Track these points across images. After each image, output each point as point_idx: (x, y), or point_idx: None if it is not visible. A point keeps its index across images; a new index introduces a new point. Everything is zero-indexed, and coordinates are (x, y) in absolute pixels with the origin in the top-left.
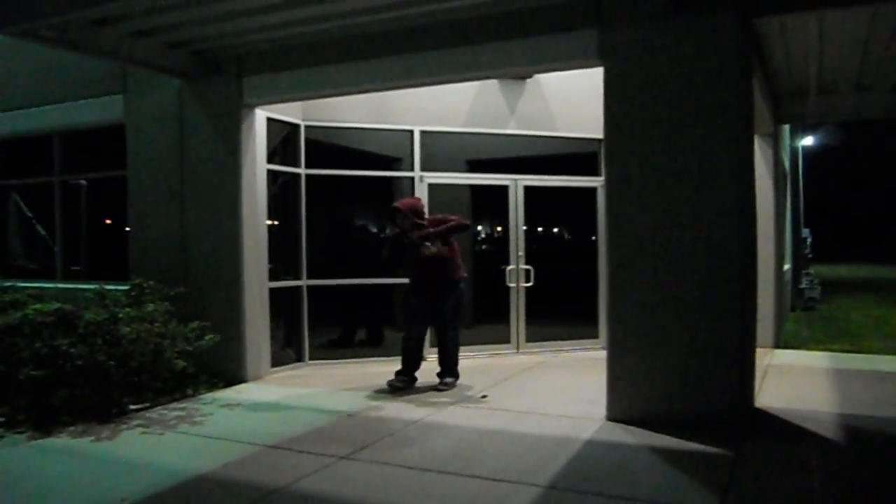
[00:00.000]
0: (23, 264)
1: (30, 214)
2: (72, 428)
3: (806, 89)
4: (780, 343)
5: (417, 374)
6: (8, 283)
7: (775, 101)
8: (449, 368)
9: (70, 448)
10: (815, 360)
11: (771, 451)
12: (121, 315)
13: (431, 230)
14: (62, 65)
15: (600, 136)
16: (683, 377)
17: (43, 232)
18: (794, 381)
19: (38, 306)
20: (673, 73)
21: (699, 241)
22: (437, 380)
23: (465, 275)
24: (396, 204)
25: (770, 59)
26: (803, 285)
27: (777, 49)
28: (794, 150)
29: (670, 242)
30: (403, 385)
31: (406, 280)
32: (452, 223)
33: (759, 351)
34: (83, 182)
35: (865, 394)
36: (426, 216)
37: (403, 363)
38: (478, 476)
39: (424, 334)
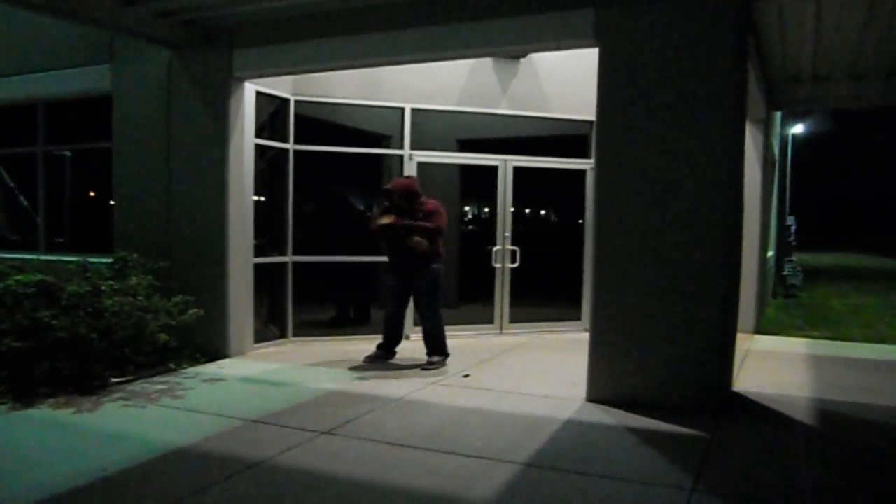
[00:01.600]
0: (5, 235)
1: (12, 185)
2: (53, 400)
3: (800, 76)
4: (761, 329)
5: (399, 349)
6: None
7: (769, 87)
8: (433, 347)
9: (51, 419)
10: (793, 346)
11: (746, 434)
12: (104, 288)
13: (419, 224)
14: (48, 32)
15: (592, 117)
16: (664, 359)
17: (26, 203)
18: (773, 366)
19: (20, 277)
20: (668, 56)
21: (685, 225)
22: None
23: (441, 254)
24: (388, 186)
25: (765, 44)
26: (786, 272)
27: (773, 34)
28: (783, 138)
29: (657, 226)
30: (377, 356)
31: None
32: (434, 227)
33: (739, 336)
34: (67, 153)
35: (842, 380)
36: (422, 198)
37: (383, 337)
38: (457, 453)
39: (402, 312)
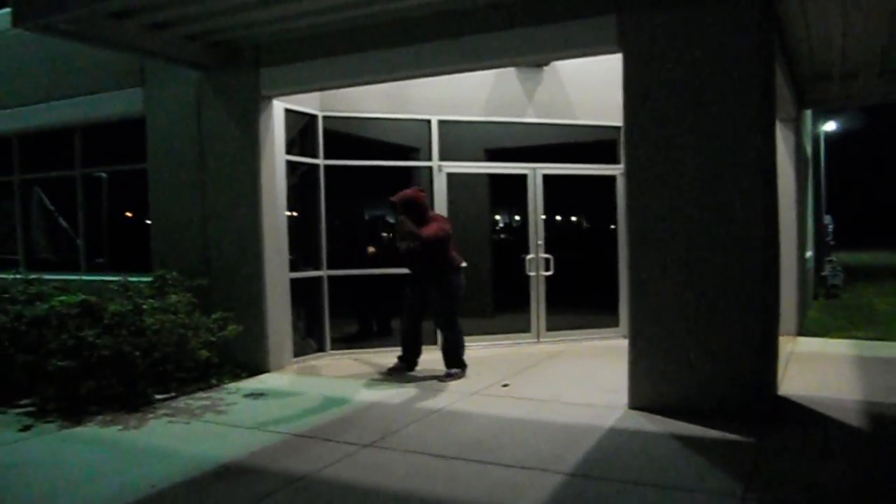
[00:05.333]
0: (47, 257)
1: (52, 208)
2: (100, 417)
3: (829, 73)
4: (803, 331)
5: (430, 360)
6: (34, 276)
7: (798, 85)
8: (449, 360)
9: (99, 437)
10: (838, 347)
11: (795, 438)
12: (145, 306)
13: (407, 230)
14: (82, 58)
15: (619, 123)
16: (706, 365)
17: (66, 225)
18: (817, 368)
19: (63, 298)
20: (693, 59)
21: (720, 228)
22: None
23: (455, 265)
24: (393, 198)
25: (792, 42)
26: (826, 272)
27: (799, 32)
28: (816, 136)
29: (691, 230)
30: (397, 368)
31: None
32: (415, 233)
33: (781, 339)
34: (104, 175)
35: (889, 381)
36: (426, 210)
37: (402, 349)
38: (501, 463)
39: (416, 323)
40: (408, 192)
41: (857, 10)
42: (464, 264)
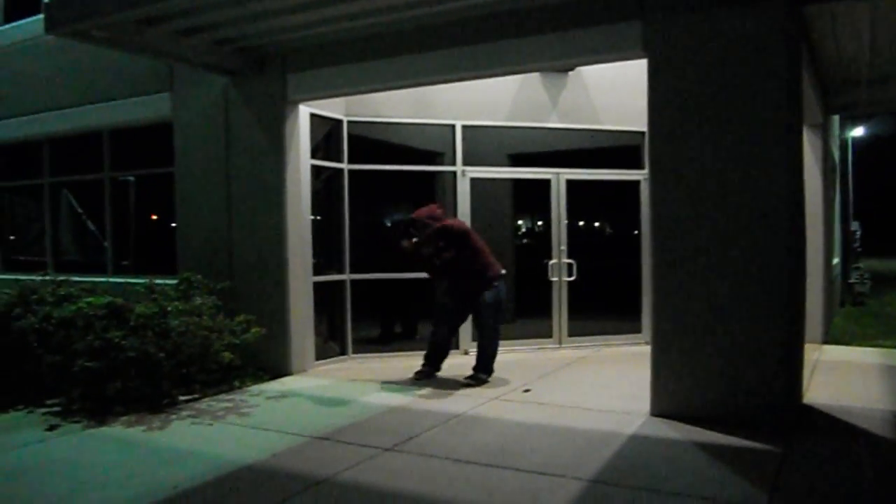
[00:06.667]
0: (75, 259)
1: (80, 211)
2: (125, 417)
3: (857, 78)
4: (829, 339)
5: (454, 364)
6: (62, 278)
7: (825, 91)
8: (481, 364)
9: (124, 437)
10: (864, 356)
11: (820, 448)
12: (170, 308)
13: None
14: (111, 64)
15: (644, 128)
16: (730, 372)
17: (93, 228)
18: (843, 377)
19: (90, 300)
20: (719, 64)
21: (745, 234)
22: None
23: (497, 271)
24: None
25: (819, 47)
26: (853, 280)
27: (826, 37)
28: (843, 142)
29: (716, 236)
30: (423, 372)
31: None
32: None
33: (807, 347)
34: (131, 179)
35: None
36: (433, 220)
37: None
38: (522, 469)
39: (454, 334)
40: (420, 209)
41: (885, 15)
42: (503, 271)
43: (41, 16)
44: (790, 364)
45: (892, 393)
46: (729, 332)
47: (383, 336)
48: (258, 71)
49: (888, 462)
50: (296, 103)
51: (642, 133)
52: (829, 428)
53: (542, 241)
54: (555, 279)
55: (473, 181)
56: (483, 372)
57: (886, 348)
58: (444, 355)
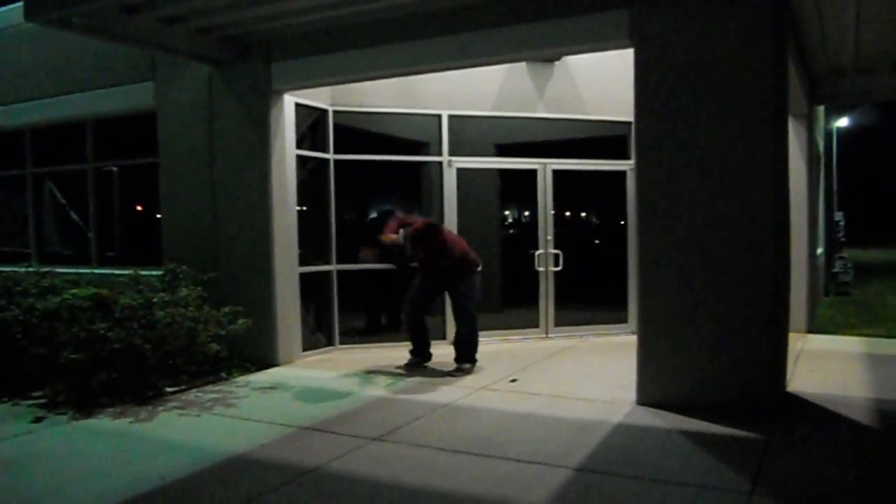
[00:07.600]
0: (59, 250)
1: (64, 202)
2: (111, 409)
3: (843, 69)
4: (813, 328)
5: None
6: (45, 269)
7: (811, 81)
8: (462, 354)
9: (110, 428)
10: (848, 344)
11: (804, 436)
12: (155, 300)
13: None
14: (93, 52)
15: (630, 118)
16: (715, 361)
17: (77, 219)
18: (827, 365)
19: (75, 291)
20: (705, 54)
21: (730, 224)
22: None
23: (475, 264)
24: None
25: (805, 37)
26: (836, 269)
27: (812, 27)
28: (828, 132)
29: (701, 226)
30: (411, 363)
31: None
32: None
33: (791, 336)
34: (115, 169)
35: None
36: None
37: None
38: (509, 458)
39: (421, 315)
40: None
41: (871, 4)
42: (480, 267)
43: (21, 3)
44: (775, 353)
45: (875, 381)
46: (713, 321)
47: (370, 327)
48: (242, 60)
49: (870, 449)
50: (280, 92)
51: (629, 123)
52: (813, 416)
53: (528, 232)
54: (541, 269)
55: (460, 171)
56: (466, 361)
57: (870, 337)
58: (423, 339)
